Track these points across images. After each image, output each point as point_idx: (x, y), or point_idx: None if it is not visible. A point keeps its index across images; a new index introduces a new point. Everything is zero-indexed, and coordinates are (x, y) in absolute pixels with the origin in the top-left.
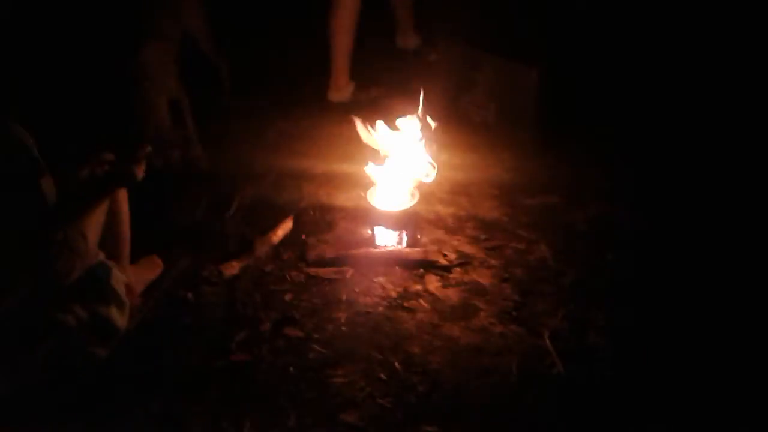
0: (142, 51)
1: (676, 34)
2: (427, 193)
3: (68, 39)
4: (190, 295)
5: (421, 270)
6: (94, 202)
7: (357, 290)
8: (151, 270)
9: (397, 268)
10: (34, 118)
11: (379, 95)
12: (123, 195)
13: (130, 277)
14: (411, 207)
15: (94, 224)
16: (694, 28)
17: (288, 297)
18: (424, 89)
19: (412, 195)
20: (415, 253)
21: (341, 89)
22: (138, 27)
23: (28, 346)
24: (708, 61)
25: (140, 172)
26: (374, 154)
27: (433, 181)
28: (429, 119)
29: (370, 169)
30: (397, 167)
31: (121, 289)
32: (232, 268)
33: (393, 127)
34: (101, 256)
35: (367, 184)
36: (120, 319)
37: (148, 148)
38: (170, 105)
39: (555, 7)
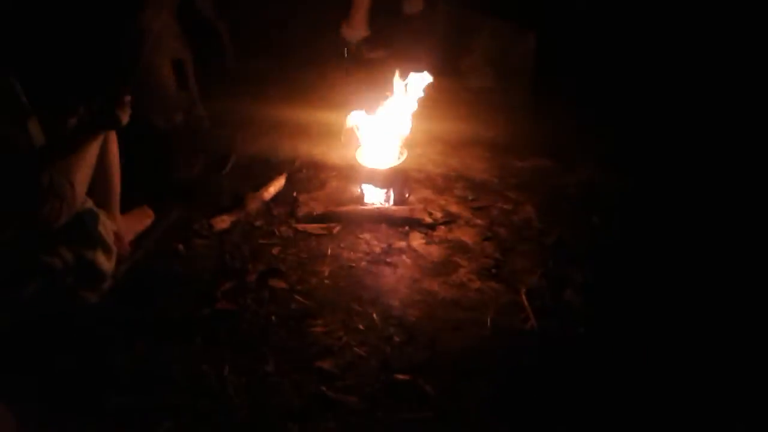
0: (142, 12)
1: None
2: (419, 154)
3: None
4: (181, 246)
5: (407, 227)
6: (79, 144)
7: (342, 245)
8: (141, 220)
9: (384, 225)
10: (27, 70)
11: (385, 56)
12: (113, 145)
13: (119, 225)
14: (397, 165)
15: (81, 171)
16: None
17: (275, 251)
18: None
19: (400, 153)
20: (401, 210)
21: (355, 27)
22: None
23: (14, 286)
24: (705, 33)
25: (125, 116)
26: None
27: (426, 144)
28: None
29: (353, 121)
30: (383, 123)
31: (109, 236)
32: (223, 222)
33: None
34: (89, 203)
35: (357, 143)
36: (106, 263)
37: (129, 93)
38: (173, 65)
39: None
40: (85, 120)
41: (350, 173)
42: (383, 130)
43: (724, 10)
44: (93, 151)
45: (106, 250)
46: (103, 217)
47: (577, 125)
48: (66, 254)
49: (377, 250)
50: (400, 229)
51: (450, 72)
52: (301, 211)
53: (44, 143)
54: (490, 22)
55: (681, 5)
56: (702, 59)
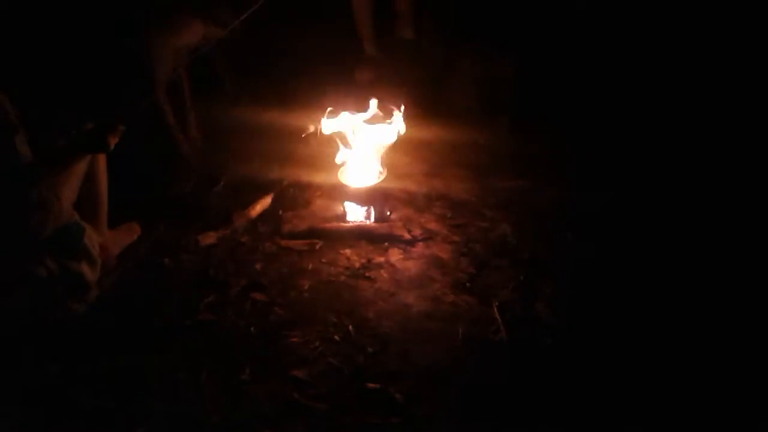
0: (146, 37)
1: (645, 29)
2: (402, 175)
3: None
4: (167, 260)
5: (386, 244)
6: (66, 163)
7: (323, 261)
8: (128, 234)
9: (364, 241)
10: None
11: (375, 78)
12: (101, 160)
13: (106, 238)
14: (377, 184)
15: (68, 185)
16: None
17: (258, 266)
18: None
19: (380, 173)
20: (382, 227)
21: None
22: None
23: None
24: (677, 55)
25: (113, 142)
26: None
27: (410, 165)
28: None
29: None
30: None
31: (94, 248)
32: (210, 237)
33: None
34: (76, 216)
35: (341, 164)
36: (90, 274)
37: (122, 127)
38: (169, 87)
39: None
40: (74, 140)
41: (334, 192)
42: (364, 151)
43: (699, 37)
44: (80, 166)
45: (91, 262)
46: (89, 229)
47: (554, 147)
48: (51, 264)
49: (357, 264)
50: (380, 245)
51: (434, 95)
52: (286, 228)
53: (32, 157)
54: (473, 48)
55: (657, 29)
56: (675, 80)
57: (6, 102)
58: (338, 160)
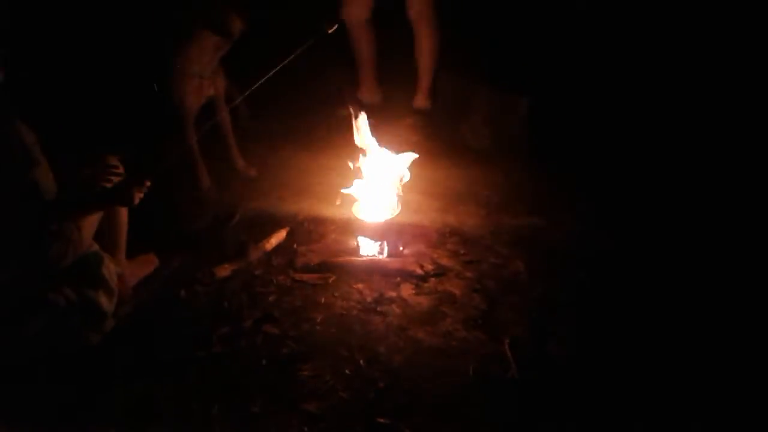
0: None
1: (654, 66)
2: (416, 210)
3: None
4: (183, 292)
5: (398, 279)
6: (89, 210)
7: (336, 294)
8: (146, 266)
9: (377, 276)
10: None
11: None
12: None
13: (124, 269)
14: (391, 219)
15: (89, 216)
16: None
17: (272, 298)
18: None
19: (393, 208)
20: (394, 262)
21: (370, 90)
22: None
23: (19, 321)
24: (684, 93)
25: (138, 199)
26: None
27: (424, 201)
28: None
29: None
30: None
31: (112, 278)
32: (225, 270)
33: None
34: (95, 246)
35: (355, 199)
36: (107, 304)
37: (149, 183)
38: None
39: (544, 41)
40: (100, 189)
41: (348, 227)
42: (379, 186)
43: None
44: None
45: (108, 292)
46: (107, 260)
47: (567, 185)
48: (69, 293)
49: (369, 299)
50: (392, 280)
51: (450, 133)
52: (300, 262)
53: (56, 189)
54: (487, 88)
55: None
56: (685, 119)
57: (31, 134)
58: (346, 190)
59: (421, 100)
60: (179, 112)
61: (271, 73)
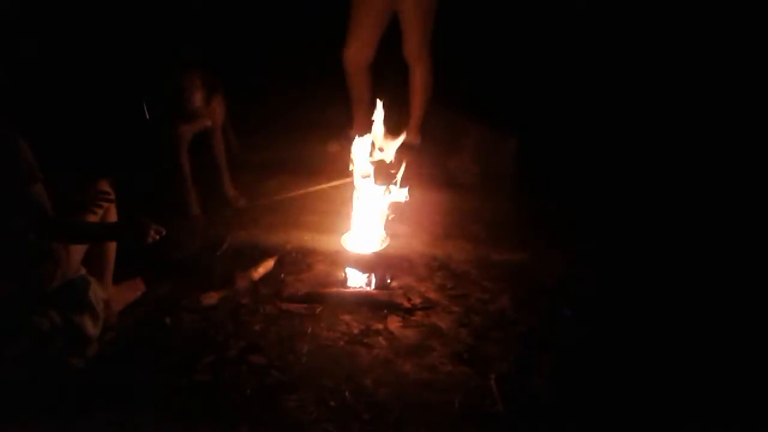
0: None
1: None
2: (404, 243)
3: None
4: (168, 319)
5: (386, 311)
6: (87, 239)
7: (323, 325)
8: (132, 291)
9: (364, 307)
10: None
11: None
12: (112, 218)
13: (110, 294)
14: (379, 251)
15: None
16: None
17: (258, 327)
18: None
19: (382, 240)
20: (381, 294)
21: (362, 130)
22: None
23: (0, 343)
24: (669, 133)
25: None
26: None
27: (413, 234)
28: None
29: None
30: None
31: (99, 303)
32: (211, 298)
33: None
34: (83, 271)
35: (344, 230)
36: (92, 329)
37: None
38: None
39: (533, 79)
40: (113, 225)
41: (336, 258)
42: (368, 217)
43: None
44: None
45: (94, 316)
46: (94, 284)
47: (554, 223)
48: (55, 317)
49: (355, 330)
50: (379, 313)
51: (439, 169)
52: (287, 292)
53: (48, 207)
54: (477, 126)
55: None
56: (670, 158)
57: (29, 152)
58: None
59: (411, 136)
60: (172, 141)
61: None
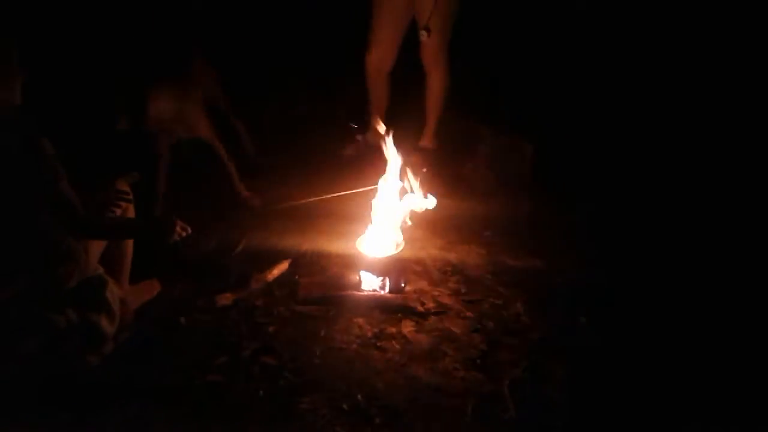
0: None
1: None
2: (419, 248)
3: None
4: (183, 319)
5: (399, 315)
6: (118, 235)
7: (336, 328)
8: (148, 291)
9: (378, 311)
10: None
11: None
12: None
13: (126, 294)
14: (393, 255)
15: (98, 241)
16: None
17: (271, 329)
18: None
19: (397, 244)
20: (395, 298)
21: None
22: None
23: (17, 339)
24: (686, 136)
25: (176, 237)
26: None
27: (427, 239)
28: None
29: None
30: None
31: (115, 302)
32: (226, 299)
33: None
34: (100, 270)
35: (359, 233)
36: (108, 327)
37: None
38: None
39: (549, 85)
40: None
41: (350, 261)
42: (384, 220)
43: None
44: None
45: (110, 315)
46: (111, 283)
47: (569, 229)
48: (71, 315)
49: (369, 334)
50: (393, 316)
51: (454, 174)
52: (301, 294)
53: (79, 207)
54: (492, 132)
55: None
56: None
57: (53, 151)
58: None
59: (427, 141)
60: (151, 151)
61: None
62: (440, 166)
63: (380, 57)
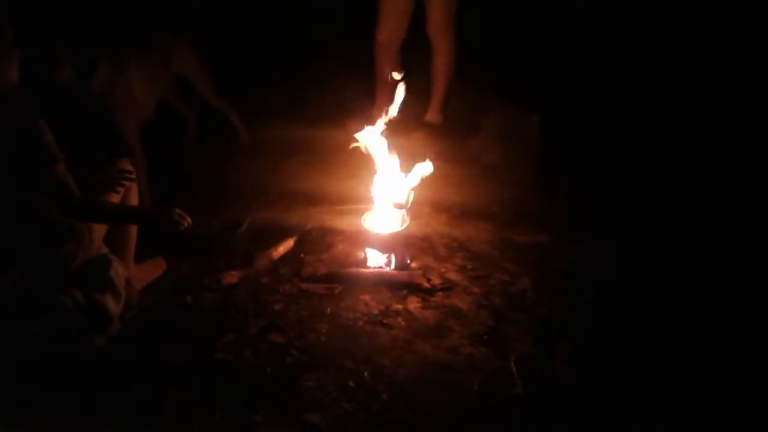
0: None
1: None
2: (425, 224)
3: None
4: (189, 297)
5: (405, 291)
6: (114, 221)
7: (342, 305)
8: (153, 270)
9: (384, 288)
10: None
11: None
12: (133, 198)
13: (131, 273)
14: (399, 231)
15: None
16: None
17: (278, 307)
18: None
19: (402, 221)
20: (401, 275)
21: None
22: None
23: (24, 320)
24: (695, 104)
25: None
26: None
27: (433, 215)
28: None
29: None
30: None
31: (120, 282)
32: (232, 277)
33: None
34: (104, 249)
35: (365, 210)
36: (114, 307)
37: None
38: None
39: (556, 57)
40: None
41: (356, 238)
42: (388, 198)
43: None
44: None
45: (116, 295)
46: (116, 263)
47: (576, 204)
48: (77, 295)
49: (375, 311)
50: (399, 293)
51: (460, 148)
52: (306, 271)
53: (75, 190)
54: (499, 104)
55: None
56: (699, 138)
57: (50, 133)
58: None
59: (432, 115)
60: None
61: None
62: (445, 141)
63: (391, 33)
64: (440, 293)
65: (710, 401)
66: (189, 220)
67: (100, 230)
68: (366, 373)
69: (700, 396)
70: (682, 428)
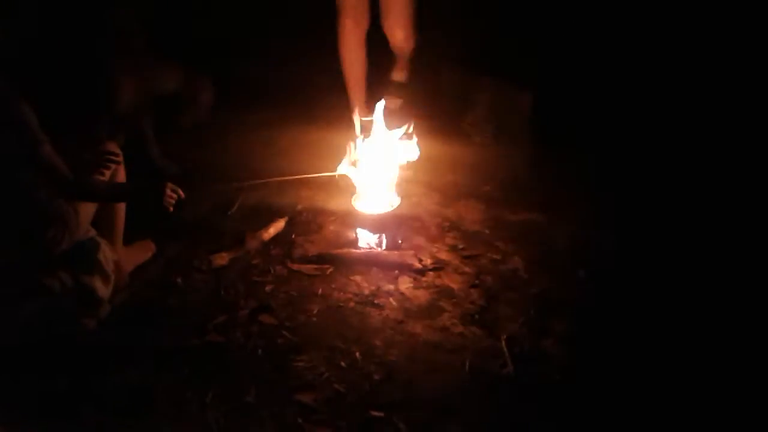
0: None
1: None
2: (416, 204)
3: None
4: (179, 279)
5: (396, 272)
6: (107, 199)
7: (333, 286)
8: (143, 252)
9: (375, 268)
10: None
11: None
12: (121, 179)
13: (120, 255)
14: (390, 211)
15: (89, 203)
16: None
17: (268, 288)
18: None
19: (393, 201)
20: (392, 255)
21: (363, 110)
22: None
23: (13, 305)
24: (694, 87)
25: (168, 202)
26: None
27: (424, 194)
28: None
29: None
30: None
31: (108, 264)
32: (222, 258)
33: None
34: (92, 232)
35: (355, 189)
36: (103, 290)
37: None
38: None
39: (548, 34)
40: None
41: (347, 218)
42: (377, 178)
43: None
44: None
45: (104, 277)
46: (104, 245)
47: (568, 182)
48: (65, 278)
49: (366, 291)
50: (390, 273)
51: (452, 127)
52: (297, 252)
53: (64, 169)
54: (491, 81)
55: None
56: (690, 117)
57: (33, 115)
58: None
59: (398, 73)
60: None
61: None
62: (437, 120)
63: (355, 22)
64: (431, 273)
65: (703, 380)
66: (182, 194)
67: (87, 213)
68: (357, 354)
69: (692, 376)
70: (674, 408)
